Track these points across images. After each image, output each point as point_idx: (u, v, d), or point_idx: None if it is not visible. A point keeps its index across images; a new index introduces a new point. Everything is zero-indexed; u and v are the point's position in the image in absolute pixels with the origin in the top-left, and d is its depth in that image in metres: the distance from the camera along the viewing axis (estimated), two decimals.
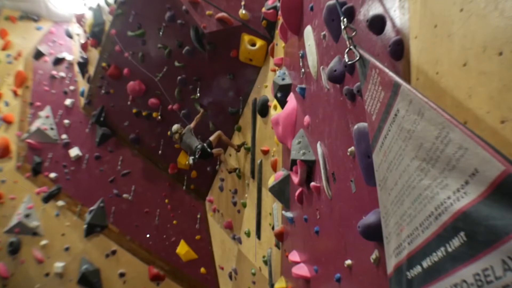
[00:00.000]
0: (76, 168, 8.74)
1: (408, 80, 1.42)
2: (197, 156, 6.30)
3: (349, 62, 1.53)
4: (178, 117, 7.41)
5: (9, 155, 8.86)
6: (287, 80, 3.99)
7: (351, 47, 1.52)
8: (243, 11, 5.87)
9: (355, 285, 1.85)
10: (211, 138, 6.56)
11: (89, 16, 8.54)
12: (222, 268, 7.53)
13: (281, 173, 3.90)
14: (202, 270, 7.91)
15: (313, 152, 2.86)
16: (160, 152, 8.02)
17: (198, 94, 6.96)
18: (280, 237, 4.10)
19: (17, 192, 8.51)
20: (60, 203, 8.34)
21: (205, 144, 6.42)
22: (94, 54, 8.51)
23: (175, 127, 6.71)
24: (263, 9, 5.51)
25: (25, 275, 8.04)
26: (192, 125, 6.70)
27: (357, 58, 1.46)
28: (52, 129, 9.03)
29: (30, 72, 9.90)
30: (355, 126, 1.72)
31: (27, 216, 8.21)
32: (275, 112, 4.29)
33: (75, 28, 10.06)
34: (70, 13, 10.30)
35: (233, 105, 6.93)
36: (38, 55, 10.12)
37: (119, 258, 8.08)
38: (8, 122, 9.18)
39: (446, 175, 0.88)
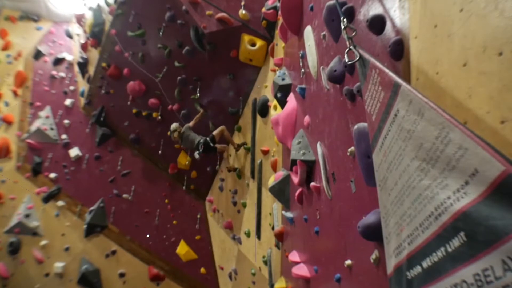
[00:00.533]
0: (76, 168, 8.74)
1: (408, 80, 1.42)
2: (200, 150, 6.37)
3: (349, 62, 1.53)
4: (178, 118, 7.41)
5: (9, 155, 8.86)
6: (287, 80, 3.99)
7: (351, 47, 1.52)
8: (243, 11, 5.87)
9: (355, 285, 1.85)
10: (214, 132, 6.60)
11: (89, 16, 8.54)
12: (222, 268, 7.53)
13: (281, 173, 3.90)
14: (202, 270, 7.91)
15: (313, 152, 2.86)
16: (160, 152, 8.02)
17: (198, 94, 6.96)
18: (280, 237, 4.10)
19: (17, 192, 8.51)
20: (60, 203, 8.34)
21: (207, 138, 6.47)
22: (94, 54, 8.51)
23: (174, 125, 6.75)
24: (263, 9, 5.51)
25: (25, 275, 8.04)
26: (191, 124, 6.71)
27: (357, 58, 1.46)
28: (52, 129, 9.03)
29: (30, 72, 9.90)
30: (355, 126, 1.72)
31: (27, 216, 8.21)
32: (275, 112, 4.29)
33: (75, 28, 10.06)
34: (70, 13, 10.30)
35: (233, 105, 6.93)
36: (38, 55, 10.12)
37: (119, 258, 8.08)
38: (8, 122, 9.18)
39: (446, 175, 0.88)
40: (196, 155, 6.51)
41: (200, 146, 6.41)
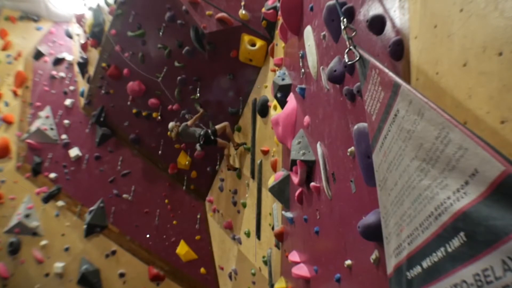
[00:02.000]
0: (76, 168, 8.73)
1: (408, 80, 1.42)
2: (201, 142, 6.41)
3: (349, 63, 1.53)
4: (178, 117, 7.41)
5: (9, 155, 8.86)
6: (287, 80, 3.99)
7: (351, 47, 1.52)
8: (243, 11, 5.87)
9: (355, 285, 1.85)
10: (217, 126, 6.62)
11: (89, 16, 8.54)
12: (222, 268, 7.53)
13: (281, 173, 3.90)
14: (202, 270, 7.91)
15: (313, 152, 2.86)
16: (160, 152, 8.02)
17: (198, 94, 6.97)
18: (280, 237, 4.10)
19: (17, 192, 8.51)
20: (60, 203, 8.34)
21: (209, 130, 6.49)
22: (94, 54, 8.51)
23: (171, 124, 6.76)
24: (263, 9, 5.51)
25: (25, 275, 8.04)
26: (189, 123, 6.71)
27: (357, 58, 1.46)
28: (52, 129, 9.03)
29: (30, 72, 9.90)
30: (355, 126, 1.72)
31: (27, 216, 8.21)
32: (275, 112, 4.29)
33: (75, 28, 10.06)
34: (70, 13, 10.30)
35: (233, 105, 6.93)
36: (38, 55, 10.12)
37: (119, 258, 8.08)
38: (8, 122, 9.18)
39: (446, 175, 0.88)
40: (198, 147, 6.56)
41: (200, 138, 6.45)
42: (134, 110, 8.16)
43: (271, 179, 4.18)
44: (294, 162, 3.04)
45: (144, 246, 8.17)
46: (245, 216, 6.20)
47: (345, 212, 2.06)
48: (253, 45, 5.95)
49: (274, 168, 4.63)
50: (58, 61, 10.08)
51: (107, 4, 7.64)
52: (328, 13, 2.23)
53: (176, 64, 6.87)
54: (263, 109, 5.43)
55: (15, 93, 9.55)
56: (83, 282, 7.74)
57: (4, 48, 10.10)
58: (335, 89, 2.32)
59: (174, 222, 8.37)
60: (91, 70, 8.66)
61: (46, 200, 8.36)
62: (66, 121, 9.14)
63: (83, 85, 9.27)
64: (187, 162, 8.04)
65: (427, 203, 0.96)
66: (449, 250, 0.85)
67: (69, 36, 10.43)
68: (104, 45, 7.95)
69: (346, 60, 1.57)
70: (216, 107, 7.08)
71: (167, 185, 8.62)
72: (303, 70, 3.33)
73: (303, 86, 3.28)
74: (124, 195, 8.41)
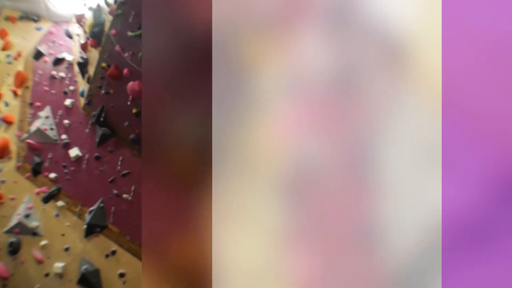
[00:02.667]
0: (76, 168, 8.72)
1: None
2: None
3: None
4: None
5: (9, 155, 8.86)
6: None
7: None
8: None
9: None
10: None
11: (89, 16, 8.54)
12: None
13: None
14: None
15: None
16: None
17: None
18: None
19: (17, 192, 8.50)
20: (60, 203, 8.33)
21: None
22: (94, 54, 8.51)
23: None
24: None
25: (25, 275, 8.03)
26: None
27: None
28: (52, 129, 9.02)
29: (30, 72, 9.90)
30: None
31: (27, 216, 8.21)
32: None
33: (75, 28, 10.06)
34: (70, 13, 10.30)
35: None
36: (38, 55, 10.12)
37: (119, 258, 8.07)
38: (8, 122, 9.18)
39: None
40: None
41: None
42: (134, 110, 8.15)
43: None
44: None
45: None
46: None
47: None
48: None
49: None
50: (58, 61, 10.07)
51: (107, 4, 7.63)
52: None
53: None
54: None
55: (15, 93, 9.55)
56: (83, 282, 7.73)
57: (4, 48, 10.11)
58: None
59: None
60: (91, 70, 8.65)
61: (46, 200, 8.36)
62: (66, 121, 9.13)
63: (83, 85, 9.26)
64: None
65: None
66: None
67: (69, 36, 10.43)
68: (104, 45, 7.95)
69: None
70: None
71: None
72: None
73: None
74: (124, 195, 8.41)
